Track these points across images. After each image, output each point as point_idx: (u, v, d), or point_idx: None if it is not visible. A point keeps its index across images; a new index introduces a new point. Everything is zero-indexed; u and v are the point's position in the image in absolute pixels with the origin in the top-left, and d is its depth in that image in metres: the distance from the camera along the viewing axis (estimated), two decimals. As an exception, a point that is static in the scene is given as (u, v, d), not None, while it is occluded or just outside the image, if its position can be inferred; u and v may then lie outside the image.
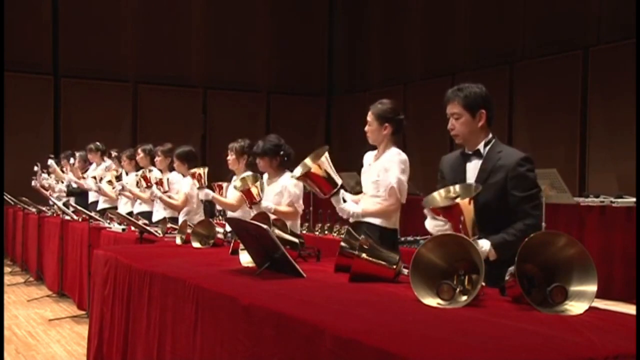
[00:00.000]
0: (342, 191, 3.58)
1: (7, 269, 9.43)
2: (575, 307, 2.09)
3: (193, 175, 5.12)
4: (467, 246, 2.25)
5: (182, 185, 5.99)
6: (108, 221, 6.29)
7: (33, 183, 9.52)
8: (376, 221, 3.78)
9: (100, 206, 7.66)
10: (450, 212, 2.61)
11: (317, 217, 7.09)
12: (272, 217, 3.71)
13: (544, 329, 1.86)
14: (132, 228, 5.38)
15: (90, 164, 8.46)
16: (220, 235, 4.19)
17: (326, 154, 3.47)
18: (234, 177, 5.22)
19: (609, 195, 7.21)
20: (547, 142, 9.55)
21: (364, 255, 2.65)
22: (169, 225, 5.17)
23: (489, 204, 2.79)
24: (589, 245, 2.73)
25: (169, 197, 6.01)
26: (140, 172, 6.37)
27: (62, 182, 8.70)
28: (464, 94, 2.91)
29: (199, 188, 5.09)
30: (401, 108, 3.92)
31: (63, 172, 8.73)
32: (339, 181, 3.54)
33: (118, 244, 5.27)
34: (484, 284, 2.23)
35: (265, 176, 4.58)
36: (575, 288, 2.13)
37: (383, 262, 2.66)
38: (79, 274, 6.48)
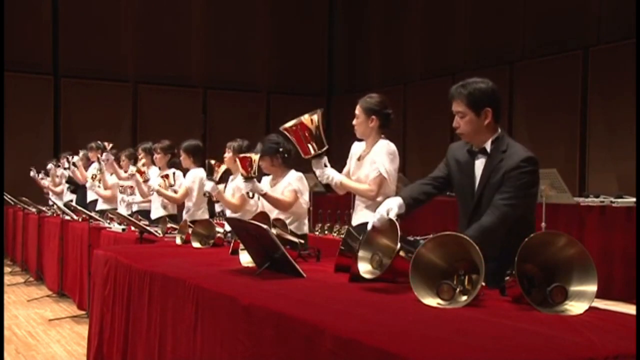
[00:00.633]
0: (325, 157, 3.54)
1: (7, 269, 9.43)
2: (575, 307, 2.09)
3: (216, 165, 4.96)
4: (467, 246, 2.25)
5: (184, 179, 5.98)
6: (108, 221, 6.30)
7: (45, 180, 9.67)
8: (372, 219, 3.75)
9: (100, 207, 7.67)
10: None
11: (317, 217, 7.09)
12: (272, 217, 3.72)
13: (544, 329, 1.86)
14: (132, 228, 5.38)
15: (92, 162, 8.47)
16: (220, 235, 4.19)
17: (320, 114, 3.42)
18: (231, 177, 5.21)
19: (609, 195, 7.20)
20: (547, 142, 9.54)
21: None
22: (169, 225, 5.18)
23: (490, 203, 2.78)
24: (589, 245, 2.72)
25: (173, 190, 6.02)
26: (134, 168, 6.39)
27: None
28: (468, 91, 2.81)
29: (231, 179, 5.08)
30: (389, 103, 3.88)
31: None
32: (326, 145, 3.49)
33: (118, 244, 5.27)
34: (484, 284, 2.23)
35: (267, 178, 4.57)
36: (575, 288, 2.13)
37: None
38: (79, 274, 6.48)
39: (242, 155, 4.27)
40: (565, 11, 9.62)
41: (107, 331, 3.72)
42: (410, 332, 1.86)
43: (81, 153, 8.49)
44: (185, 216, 5.80)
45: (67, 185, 9.05)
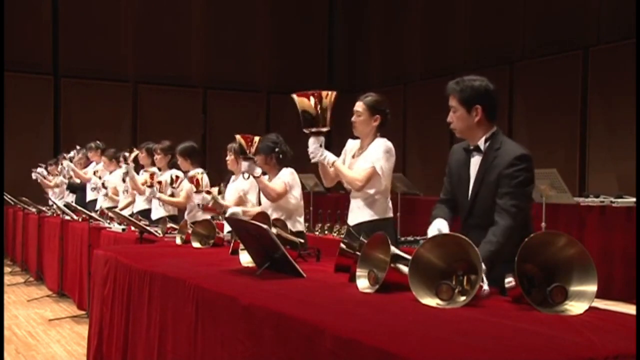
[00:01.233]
0: (323, 138, 3.52)
1: (7, 269, 9.43)
2: (575, 307, 2.09)
3: (191, 180, 5.20)
4: (465, 247, 2.25)
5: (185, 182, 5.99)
6: (108, 221, 6.30)
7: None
8: (368, 217, 3.75)
9: (99, 206, 7.66)
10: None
11: (317, 217, 7.09)
12: (272, 217, 3.72)
13: (544, 329, 1.86)
14: (132, 228, 5.38)
15: (91, 162, 8.48)
16: (221, 235, 4.19)
17: (336, 96, 3.39)
18: (232, 177, 5.25)
19: (609, 195, 7.20)
20: (547, 142, 9.55)
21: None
22: (169, 225, 5.18)
23: (486, 202, 2.79)
24: (589, 245, 2.72)
25: (171, 195, 6.02)
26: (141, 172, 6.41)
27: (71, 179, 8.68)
28: (460, 87, 2.86)
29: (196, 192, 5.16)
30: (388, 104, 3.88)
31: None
32: (329, 127, 3.46)
33: (118, 244, 5.27)
34: (486, 286, 2.22)
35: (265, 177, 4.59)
36: (575, 288, 2.13)
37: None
38: (79, 274, 6.48)
39: (244, 135, 4.22)
40: (565, 11, 9.62)
41: (106, 331, 3.72)
42: (410, 332, 1.86)
43: (73, 152, 8.44)
44: (186, 217, 5.81)
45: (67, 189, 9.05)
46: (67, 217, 7.20)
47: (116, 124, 12.40)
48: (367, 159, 3.73)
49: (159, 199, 6.00)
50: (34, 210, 9.01)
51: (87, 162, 8.55)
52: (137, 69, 12.66)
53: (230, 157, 5.15)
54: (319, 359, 1.89)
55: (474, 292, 2.18)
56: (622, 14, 8.79)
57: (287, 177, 4.41)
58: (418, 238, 5.48)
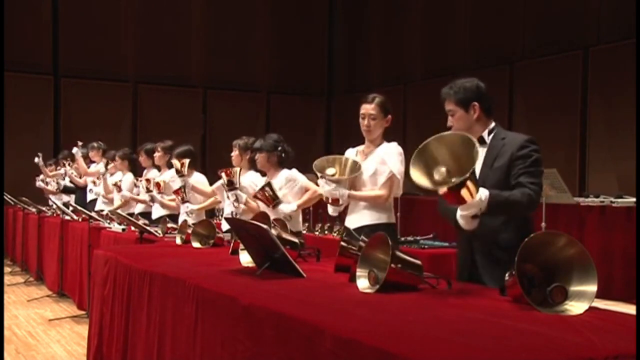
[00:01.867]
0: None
1: (7, 269, 9.43)
2: (575, 307, 2.09)
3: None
4: (470, 149, 2.40)
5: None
6: (108, 221, 6.30)
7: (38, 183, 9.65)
8: (371, 221, 3.75)
9: (99, 207, 7.66)
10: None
11: (317, 217, 7.09)
12: (273, 217, 3.72)
13: (544, 329, 1.86)
14: (132, 228, 5.38)
15: (92, 162, 8.48)
16: (221, 235, 4.20)
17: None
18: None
19: (609, 195, 7.21)
20: (547, 142, 9.48)
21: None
22: (169, 225, 5.18)
23: (495, 187, 2.79)
24: (589, 245, 2.72)
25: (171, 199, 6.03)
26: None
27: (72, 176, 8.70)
28: (454, 90, 2.95)
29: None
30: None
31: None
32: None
33: (118, 244, 5.27)
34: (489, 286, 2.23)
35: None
36: (575, 288, 2.13)
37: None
38: (79, 274, 6.48)
39: (224, 170, 4.57)
40: (565, 11, 9.62)
41: (106, 331, 3.72)
42: (410, 332, 1.86)
43: (75, 149, 8.42)
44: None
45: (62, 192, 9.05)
46: (67, 217, 7.20)
47: (116, 124, 12.40)
48: (382, 165, 3.71)
49: (160, 203, 6.01)
50: (34, 210, 9.01)
51: (87, 163, 8.54)
52: (137, 69, 12.66)
53: (235, 153, 5.16)
54: (319, 359, 1.89)
55: (460, 179, 2.33)
56: (622, 14, 8.79)
57: (298, 176, 4.51)
58: (418, 238, 5.48)
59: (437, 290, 2.48)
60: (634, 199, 6.76)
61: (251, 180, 4.87)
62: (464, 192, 2.39)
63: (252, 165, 4.96)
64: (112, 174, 7.65)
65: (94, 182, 7.88)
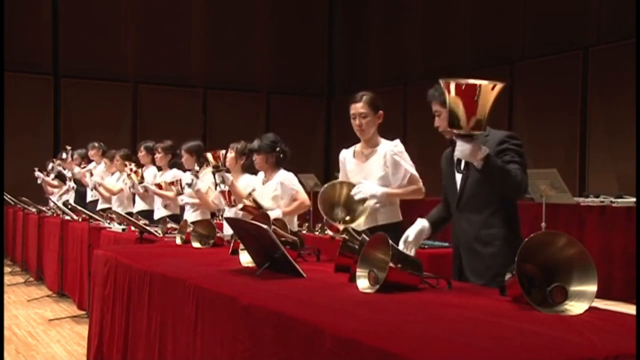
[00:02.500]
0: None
1: (7, 269, 9.43)
2: (575, 307, 2.08)
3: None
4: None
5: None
6: (108, 221, 6.30)
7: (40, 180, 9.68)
8: (382, 221, 3.70)
9: (100, 206, 7.67)
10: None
11: (317, 217, 7.09)
12: (273, 217, 3.71)
13: (544, 329, 1.86)
14: (132, 228, 5.38)
15: (90, 161, 8.48)
16: (221, 235, 4.20)
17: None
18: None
19: (609, 195, 7.21)
20: (547, 142, 9.54)
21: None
22: (169, 225, 5.18)
23: (477, 183, 2.83)
24: (589, 245, 2.73)
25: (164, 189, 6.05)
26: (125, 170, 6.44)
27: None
28: (439, 92, 2.98)
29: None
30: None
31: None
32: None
33: (118, 244, 5.27)
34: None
35: (261, 174, 4.64)
36: (575, 288, 2.12)
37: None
38: (79, 274, 6.48)
39: (212, 151, 4.66)
40: (565, 11, 9.62)
41: (107, 331, 3.72)
42: (410, 332, 1.86)
43: (63, 153, 8.46)
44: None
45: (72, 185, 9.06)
46: (67, 217, 7.20)
47: (116, 124, 12.40)
48: (393, 167, 3.70)
49: (154, 193, 6.04)
50: (34, 210, 9.01)
51: (80, 162, 8.55)
52: (137, 69, 12.66)
53: (231, 155, 5.11)
54: (319, 359, 1.89)
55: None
56: (622, 14, 8.79)
57: (290, 181, 4.48)
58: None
59: (437, 290, 2.48)
60: (634, 199, 6.76)
61: (246, 184, 4.88)
62: None
63: (245, 170, 4.99)
64: (112, 174, 7.67)
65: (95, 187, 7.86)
